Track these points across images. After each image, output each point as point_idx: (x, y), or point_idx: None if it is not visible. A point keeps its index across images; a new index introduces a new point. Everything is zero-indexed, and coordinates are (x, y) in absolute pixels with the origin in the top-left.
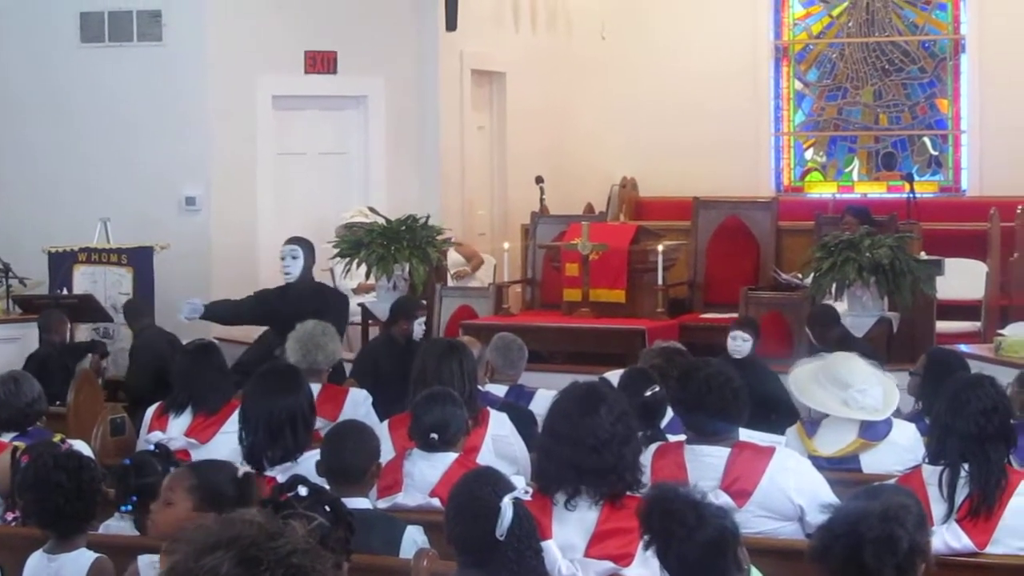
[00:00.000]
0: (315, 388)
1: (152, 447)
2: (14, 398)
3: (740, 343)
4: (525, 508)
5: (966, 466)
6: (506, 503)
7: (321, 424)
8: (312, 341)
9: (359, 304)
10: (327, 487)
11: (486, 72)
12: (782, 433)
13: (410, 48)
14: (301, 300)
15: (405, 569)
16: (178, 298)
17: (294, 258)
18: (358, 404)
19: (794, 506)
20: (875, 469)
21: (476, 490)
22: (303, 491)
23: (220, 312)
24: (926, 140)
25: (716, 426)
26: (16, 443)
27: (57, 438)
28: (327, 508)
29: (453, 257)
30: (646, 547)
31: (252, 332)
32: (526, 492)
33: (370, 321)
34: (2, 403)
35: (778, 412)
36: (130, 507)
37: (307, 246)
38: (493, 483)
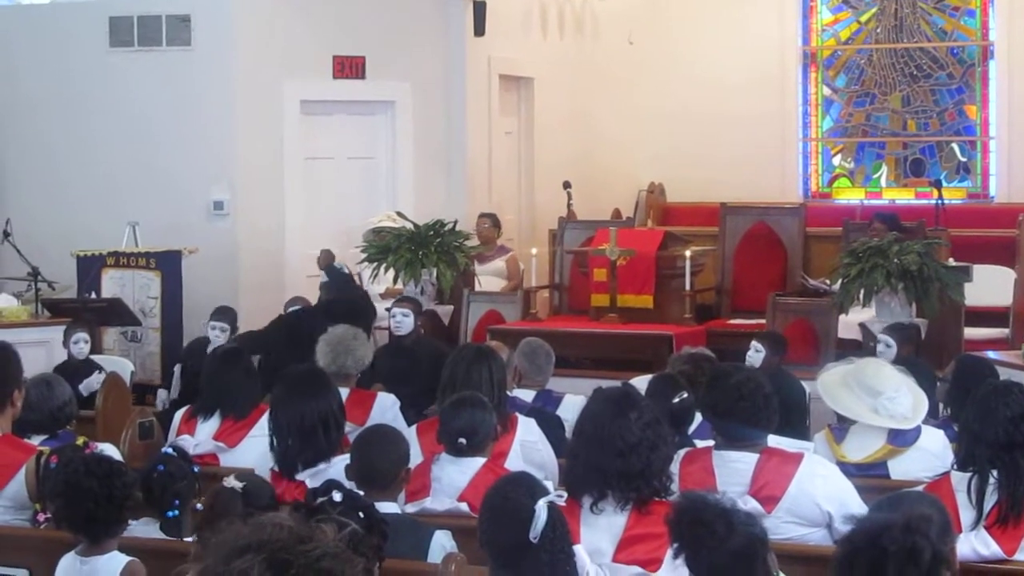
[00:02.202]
0: (343, 392)
1: (167, 450)
2: (46, 401)
3: (753, 353)
4: (559, 511)
5: (995, 473)
6: (540, 505)
7: (349, 428)
8: (343, 345)
9: (386, 309)
10: (360, 492)
11: (514, 77)
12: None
13: (438, 53)
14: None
15: (433, 573)
16: (207, 306)
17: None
18: (386, 408)
19: (822, 512)
20: (903, 475)
21: (511, 493)
22: (337, 496)
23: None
24: (954, 146)
25: (745, 432)
26: (41, 448)
27: (80, 441)
28: (360, 514)
29: (496, 265)
30: (675, 555)
31: None
32: (560, 496)
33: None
34: (34, 405)
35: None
36: (177, 512)
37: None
38: (527, 486)
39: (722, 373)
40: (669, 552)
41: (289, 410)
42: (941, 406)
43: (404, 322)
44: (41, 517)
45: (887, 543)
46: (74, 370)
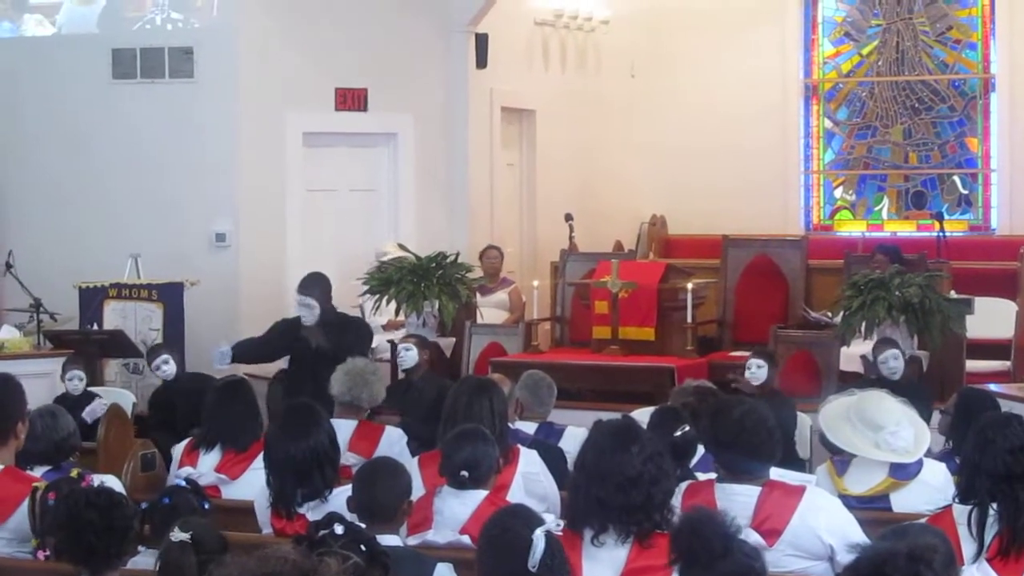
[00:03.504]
0: (351, 424)
1: (180, 482)
2: (51, 432)
3: (755, 370)
4: (557, 540)
5: (995, 505)
6: (538, 535)
7: (355, 461)
8: (361, 378)
9: (388, 340)
10: (362, 525)
11: (516, 110)
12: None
13: (440, 85)
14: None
15: None
16: (208, 338)
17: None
18: (393, 442)
19: (824, 545)
20: (905, 508)
21: (508, 524)
22: (339, 529)
23: (247, 352)
24: (956, 179)
25: (749, 465)
26: (36, 484)
27: (75, 473)
28: (362, 547)
29: (499, 297)
30: (671, 563)
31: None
32: (557, 525)
33: None
34: (38, 436)
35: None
36: None
37: (319, 287)
38: (525, 517)
39: (725, 406)
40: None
41: (282, 451)
42: (944, 439)
43: (407, 356)
44: (41, 555)
45: (891, 571)
46: (73, 402)
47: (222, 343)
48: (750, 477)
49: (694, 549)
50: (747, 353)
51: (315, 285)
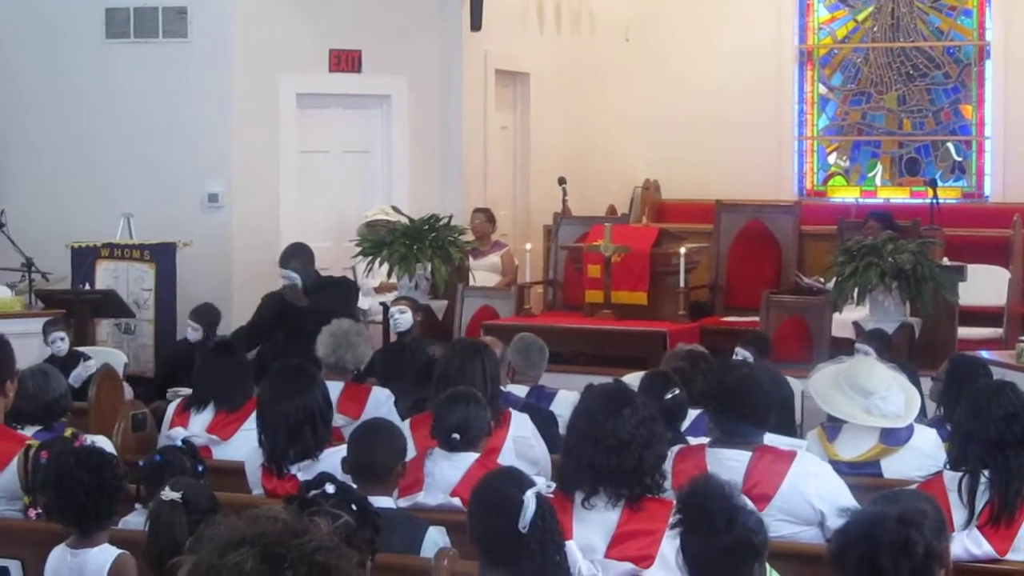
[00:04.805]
0: (338, 386)
1: (177, 443)
2: (43, 392)
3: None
4: (547, 502)
5: (986, 472)
6: (528, 495)
7: (344, 422)
8: (345, 339)
9: (380, 303)
10: (353, 485)
11: (510, 72)
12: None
13: (434, 48)
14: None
15: (426, 569)
16: (200, 298)
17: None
18: (380, 403)
19: (815, 511)
20: (896, 474)
21: (499, 485)
22: (330, 489)
23: (245, 340)
24: (950, 146)
25: (742, 428)
26: (30, 441)
27: (69, 433)
28: (353, 507)
29: (491, 260)
30: (671, 527)
31: None
32: (548, 487)
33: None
34: (30, 396)
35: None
36: None
37: (297, 259)
38: (515, 478)
39: (725, 367)
40: (660, 547)
41: (276, 408)
42: (935, 405)
43: (402, 319)
44: (32, 513)
45: (881, 535)
46: (60, 365)
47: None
48: (743, 441)
49: (696, 521)
50: (739, 319)
51: (292, 257)
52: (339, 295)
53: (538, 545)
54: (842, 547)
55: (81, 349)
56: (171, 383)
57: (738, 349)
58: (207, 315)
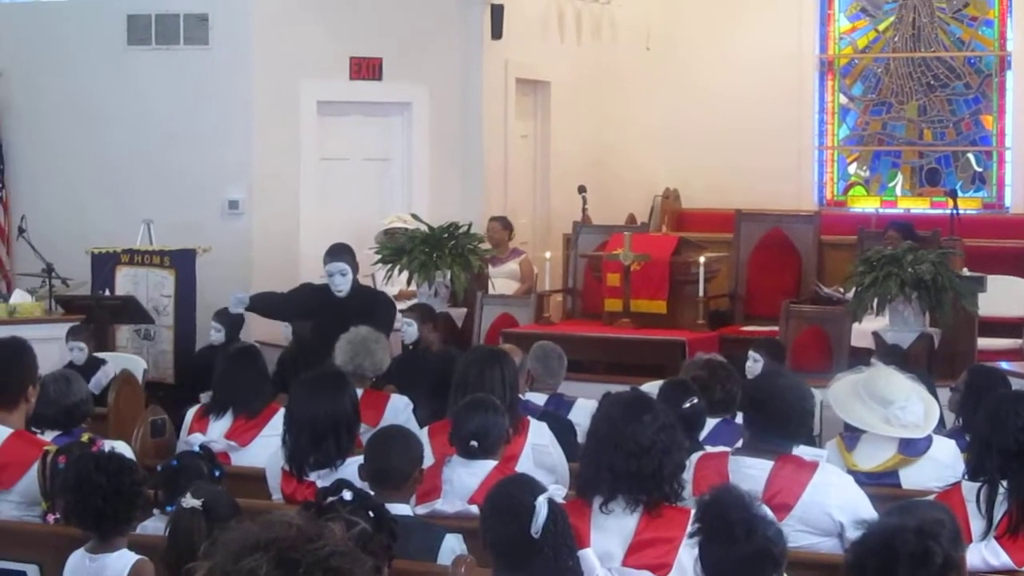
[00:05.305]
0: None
1: (196, 448)
2: (63, 397)
3: (751, 364)
4: (560, 507)
5: (1005, 483)
6: (540, 501)
7: (362, 429)
8: (363, 346)
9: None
10: (371, 492)
11: (531, 81)
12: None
13: (455, 56)
14: (346, 302)
15: (443, 575)
16: (220, 305)
17: (343, 275)
18: (399, 410)
19: (834, 522)
20: (914, 485)
21: (511, 491)
22: (347, 495)
23: (265, 305)
24: (970, 156)
25: (772, 438)
26: (47, 447)
27: (85, 438)
28: (370, 513)
29: (510, 267)
30: (690, 535)
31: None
32: (559, 491)
33: None
34: (51, 401)
35: None
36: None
37: (350, 254)
38: (527, 485)
39: (771, 373)
40: (678, 556)
41: (304, 410)
42: (953, 416)
43: (407, 331)
44: (51, 518)
45: (899, 545)
46: (79, 371)
47: (238, 291)
48: (769, 449)
49: (716, 530)
50: (759, 328)
51: (346, 251)
52: (385, 311)
53: (551, 550)
54: (860, 557)
55: (100, 355)
56: (197, 389)
57: (751, 352)
58: (231, 316)
